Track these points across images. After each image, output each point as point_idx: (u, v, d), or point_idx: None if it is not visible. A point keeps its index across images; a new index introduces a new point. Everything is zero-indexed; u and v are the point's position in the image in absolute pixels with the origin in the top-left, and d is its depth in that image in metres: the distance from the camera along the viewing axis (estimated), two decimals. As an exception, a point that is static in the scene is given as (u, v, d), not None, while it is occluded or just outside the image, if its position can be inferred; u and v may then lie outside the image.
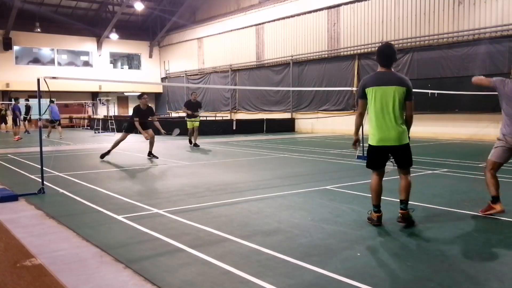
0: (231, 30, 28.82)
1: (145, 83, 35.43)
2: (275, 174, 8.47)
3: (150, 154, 11.37)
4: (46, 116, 18.83)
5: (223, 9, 29.72)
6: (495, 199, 5.02)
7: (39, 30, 29.76)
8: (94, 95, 34.67)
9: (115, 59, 36.45)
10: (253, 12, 26.96)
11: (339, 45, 22.21)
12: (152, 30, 35.40)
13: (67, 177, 8.21)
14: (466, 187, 7.10)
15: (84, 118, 31.75)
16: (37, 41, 31.58)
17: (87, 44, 33.66)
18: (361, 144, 10.59)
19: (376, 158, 4.72)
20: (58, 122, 19.95)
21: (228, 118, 27.07)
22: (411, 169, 4.80)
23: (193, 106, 14.38)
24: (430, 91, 15.33)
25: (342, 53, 22.07)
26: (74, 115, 32.99)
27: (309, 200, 6.06)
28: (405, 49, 18.94)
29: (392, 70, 4.70)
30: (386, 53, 4.67)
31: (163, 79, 36.10)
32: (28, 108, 24.03)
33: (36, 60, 32.90)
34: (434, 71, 18.12)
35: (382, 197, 4.75)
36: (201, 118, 15.87)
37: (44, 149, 7.19)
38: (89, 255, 3.88)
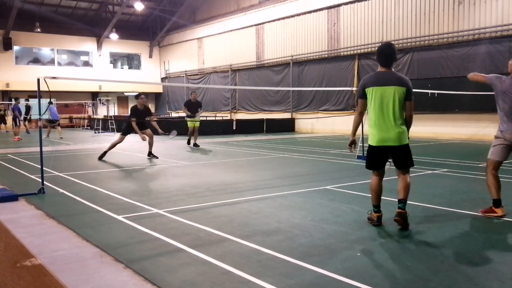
0: (231, 30, 28.83)
1: (145, 83, 35.45)
2: (275, 174, 8.47)
3: (150, 154, 11.36)
4: (46, 116, 18.85)
5: (223, 9, 29.73)
6: (497, 203, 5.01)
7: (39, 30, 29.77)
8: (94, 95, 34.68)
9: (115, 59, 36.45)
10: (253, 12, 26.96)
11: (339, 45, 22.21)
12: (152, 30, 35.40)
13: (67, 177, 8.21)
14: (466, 187, 7.10)
15: (84, 118, 31.76)
16: (37, 41, 31.58)
17: (87, 44, 33.66)
18: (360, 144, 10.61)
19: (376, 158, 4.70)
20: (57, 122, 20.02)
21: (228, 118, 27.07)
22: (411, 169, 4.78)
23: (193, 106, 14.36)
24: (430, 91, 15.33)
25: (342, 53, 22.07)
26: (74, 115, 33.01)
27: (309, 200, 6.06)
28: (405, 49, 18.95)
29: (393, 70, 4.69)
30: (386, 53, 4.66)
31: (163, 79, 36.11)
32: (28, 108, 24.03)
33: (36, 60, 32.90)
34: (434, 71, 18.12)
35: (382, 197, 4.75)
36: (201, 118, 15.83)
37: (44, 149, 7.19)
38: (89, 255, 3.88)
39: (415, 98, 4.81)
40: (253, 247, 4.00)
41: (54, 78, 6.83)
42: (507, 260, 3.69)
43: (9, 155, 12.18)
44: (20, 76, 29.73)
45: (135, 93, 11.57)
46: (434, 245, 4.08)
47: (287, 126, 24.12)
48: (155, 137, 11.70)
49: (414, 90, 4.77)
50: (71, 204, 5.97)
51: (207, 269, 3.50)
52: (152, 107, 37.95)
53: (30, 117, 24.18)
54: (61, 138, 19.44)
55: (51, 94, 6.77)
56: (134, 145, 13.92)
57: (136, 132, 11.03)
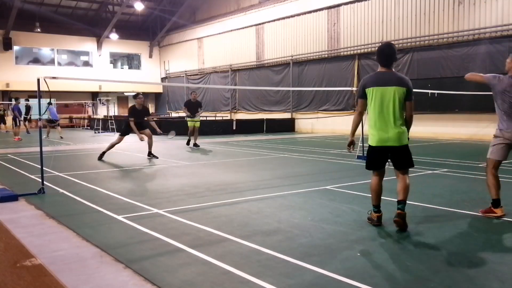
0: (231, 30, 28.83)
1: (145, 83, 35.46)
2: (275, 174, 8.46)
3: (150, 154, 11.36)
4: (45, 116, 18.87)
5: (223, 9, 29.73)
6: (496, 203, 5.01)
7: (39, 30, 29.77)
8: (94, 95, 34.68)
9: (115, 59, 36.46)
10: (253, 12, 26.96)
11: (339, 45, 22.21)
12: (152, 30, 35.40)
13: (67, 177, 8.21)
14: (466, 187, 7.09)
15: (84, 118, 31.76)
16: (37, 41, 31.58)
17: (87, 44, 33.66)
18: (360, 144, 10.61)
19: (375, 158, 4.69)
20: (57, 122, 20.10)
21: (228, 118, 27.07)
22: (411, 169, 4.77)
23: (193, 106, 14.34)
24: (430, 91, 15.33)
25: (342, 53, 22.07)
26: (74, 115, 33.00)
27: (309, 200, 6.06)
28: (405, 49, 18.95)
29: (393, 70, 4.68)
30: (386, 53, 4.64)
31: (163, 79, 36.11)
32: (28, 108, 24.04)
33: (36, 60, 32.90)
34: (434, 71, 18.12)
35: (382, 197, 4.75)
36: (201, 118, 15.80)
37: (44, 149, 7.19)
38: (89, 255, 3.88)
39: (415, 98, 4.80)
40: (253, 247, 4.00)
41: (54, 78, 6.84)
42: (507, 260, 3.69)
43: (9, 155, 12.19)
44: (20, 76, 29.73)
45: (135, 93, 11.56)
46: (434, 245, 4.08)
47: (287, 126, 24.12)
48: (155, 137, 11.71)
49: (414, 90, 4.76)
50: (71, 204, 5.97)
51: (207, 269, 3.50)
52: (152, 107, 37.96)
53: (30, 117, 24.18)
54: (61, 137, 19.47)
55: (51, 94, 6.76)
56: (134, 145, 13.91)
57: (134, 132, 11.02)
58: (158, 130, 11.78)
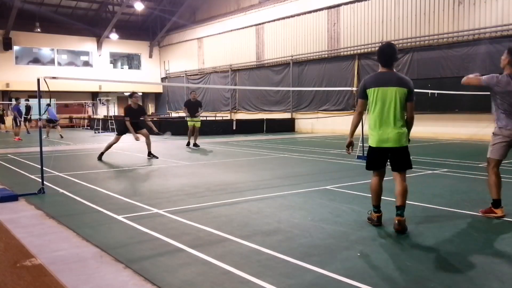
0: (231, 30, 28.83)
1: (145, 83, 35.46)
2: (275, 174, 8.46)
3: (149, 154, 11.35)
4: (45, 116, 18.90)
5: (223, 9, 29.73)
6: (497, 203, 5.00)
7: (39, 30, 29.77)
8: (94, 95, 34.69)
9: (115, 59, 36.46)
10: (253, 12, 26.97)
11: (339, 45, 22.21)
12: (152, 30, 35.40)
13: (67, 177, 8.21)
14: (466, 187, 7.09)
15: (84, 118, 31.77)
16: (37, 41, 31.58)
17: (87, 44, 33.66)
18: (360, 144, 10.61)
19: (375, 159, 4.67)
20: (56, 122, 20.22)
21: (228, 118, 27.07)
22: (412, 169, 4.75)
23: (193, 106, 14.31)
24: (430, 91, 15.34)
25: (342, 53, 22.07)
26: (74, 115, 33.01)
27: (309, 200, 6.06)
28: (405, 49, 18.95)
29: (394, 70, 4.65)
30: (387, 53, 4.61)
31: (163, 79, 36.11)
32: (28, 109, 24.07)
33: (36, 60, 32.91)
34: (434, 71, 18.12)
35: (382, 197, 4.74)
36: (201, 118, 15.76)
37: (44, 149, 7.19)
38: (89, 255, 3.88)
39: (415, 98, 4.79)
40: (253, 247, 4.00)
41: (54, 78, 6.83)
42: (507, 260, 3.69)
43: (9, 155, 12.19)
44: (20, 76, 29.73)
45: (130, 93, 11.57)
46: (434, 245, 4.08)
47: (287, 126, 24.12)
48: (154, 137, 11.68)
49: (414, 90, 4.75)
50: (71, 204, 5.97)
51: (207, 269, 3.50)
52: (152, 107, 37.99)
53: (30, 117, 24.22)
54: (61, 136, 19.54)
55: (51, 94, 6.76)
56: (134, 145, 13.90)
57: (130, 132, 10.98)
58: (154, 129, 11.77)
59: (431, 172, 8.51)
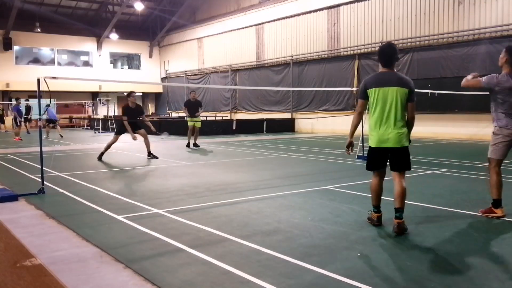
0: (231, 30, 28.83)
1: (145, 83, 35.46)
2: (275, 174, 8.46)
3: (149, 154, 11.34)
4: (45, 116, 18.94)
5: (223, 9, 29.73)
6: (497, 203, 4.99)
7: (39, 30, 29.77)
8: (94, 95, 34.69)
9: (115, 59, 36.46)
10: (253, 12, 26.97)
11: (339, 45, 22.21)
12: (152, 30, 35.41)
13: (67, 177, 8.21)
14: (466, 187, 7.09)
15: (84, 118, 31.78)
16: (37, 41, 31.59)
17: (87, 44, 33.66)
18: (360, 144, 10.61)
19: (375, 159, 4.65)
20: (56, 122, 20.29)
21: (228, 118, 27.07)
22: (412, 169, 4.74)
23: (193, 106, 14.29)
24: (430, 91, 15.34)
25: (342, 53, 22.08)
26: (74, 115, 33.02)
27: (309, 200, 6.06)
28: (405, 49, 18.95)
29: (394, 70, 4.63)
30: (387, 53, 4.59)
31: (163, 79, 36.11)
32: (28, 109, 24.10)
33: (36, 60, 32.91)
34: (434, 71, 18.13)
35: (382, 197, 4.73)
36: (201, 119, 15.73)
37: (44, 149, 7.20)
38: (89, 255, 3.88)
39: (416, 98, 4.77)
40: (253, 247, 4.00)
41: (54, 78, 6.84)
42: (507, 260, 3.69)
43: (9, 155, 12.19)
44: (20, 76, 29.74)
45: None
46: (434, 245, 4.08)
47: (287, 126, 24.12)
48: (153, 138, 11.68)
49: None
50: (71, 204, 5.97)
51: (207, 269, 3.50)
52: (152, 107, 37.99)
53: (30, 117, 24.26)
54: (61, 136, 19.57)
55: (51, 94, 6.77)
56: (134, 145, 13.90)
57: (128, 132, 10.97)
58: (152, 128, 11.76)
59: (431, 172, 8.50)
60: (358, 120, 4.78)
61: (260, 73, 26.88)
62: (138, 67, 36.69)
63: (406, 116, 4.58)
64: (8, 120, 27.79)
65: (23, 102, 23.31)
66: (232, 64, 28.83)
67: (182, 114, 24.84)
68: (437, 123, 18.05)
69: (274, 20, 25.65)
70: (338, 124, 21.41)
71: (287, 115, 24.90)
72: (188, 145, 14.32)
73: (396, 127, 4.48)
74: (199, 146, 14.38)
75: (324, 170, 9.17)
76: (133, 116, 11.13)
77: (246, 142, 16.66)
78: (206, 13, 31.46)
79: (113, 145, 11.27)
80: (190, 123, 14.25)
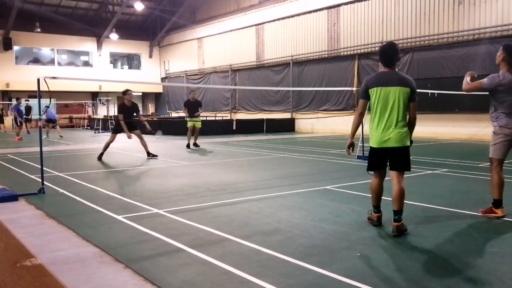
0: (231, 30, 28.83)
1: (145, 83, 35.44)
2: (275, 174, 8.46)
3: (148, 154, 11.34)
4: (44, 117, 18.96)
5: (223, 9, 29.73)
6: (498, 203, 4.99)
7: (39, 30, 29.78)
8: (94, 95, 34.69)
9: (115, 59, 36.47)
10: (253, 12, 26.97)
11: (339, 45, 22.21)
12: (152, 30, 35.41)
13: (67, 177, 8.21)
14: (466, 187, 7.09)
15: (84, 118, 31.78)
16: (37, 41, 31.59)
17: (87, 44, 33.67)
18: (360, 144, 10.61)
19: (376, 159, 4.63)
20: (56, 122, 20.34)
21: (228, 118, 27.07)
22: (412, 169, 4.72)
23: (192, 106, 14.28)
24: (430, 91, 15.34)
25: (342, 53, 22.07)
26: (74, 115, 33.03)
27: (309, 200, 6.06)
28: (405, 49, 18.94)
29: (396, 70, 4.59)
30: (388, 52, 4.56)
31: (163, 79, 36.11)
32: (28, 109, 24.13)
33: (36, 60, 32.91)
34: (434, 71, 18.13)
35: (382, 197, 4.72)
36: (201, 119, 15.70)
37: (44, 149, 7.20)
38: (89, 255, 3.88)
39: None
40: (253, 247, 4.00)
41: (54, 78, 6.84)
42: (507, 260, 3.69)
43: (9, 155, 12.19)
44: (20, 76, 29.74)
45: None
46: (434, 245, 4.08)
47: (287, 126, 24.12)
48: (151, 137, 11.67)
49: (414, 90, 4.72)
50: (71, 204, 5.97)
51: (207, 269, 3.50)
52: (152, 107, 37.98)
53: (30, 118, 24.29)
54: (60, 136, 19.58)
55: (51, 94, 6.77)
56: (134, 145, 13.90)
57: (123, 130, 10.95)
58: (148, 127, 11.75)
59: (431, 172, 8.50)
60: (359, 120, 4.76)
61: (260, 73, 26.88)
62: (138, 67, 36.69)
63: (408, 116, 4.56)
64: (8, 120, 27.82)
65: (23, 102, 23.33)
66: (232, 64, 28.83)
67: (182, 114, 24.82)
68: (437, 123, 18.06)
69: (274, 20, 25.65)
70: (338, 124, 21.41)
71: (287, 115, 24.90)
72: (188, 146, 14.23)
73: (398, 127, 4.45)
74: (199, 146, 14.37)
75: (324, 170, 9.17)
76: (129, 114, 11.13)
77: (246, 142, 16.66)
78: (206, 13, 31.46)
79: (113, 145, 11.27)
80: (190, 124, 14.22)
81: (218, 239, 4.29)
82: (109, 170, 9.54)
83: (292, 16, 24.51)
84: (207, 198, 6.21)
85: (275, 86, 24.87)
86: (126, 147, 13.88)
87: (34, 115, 22.48)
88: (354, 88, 18.57)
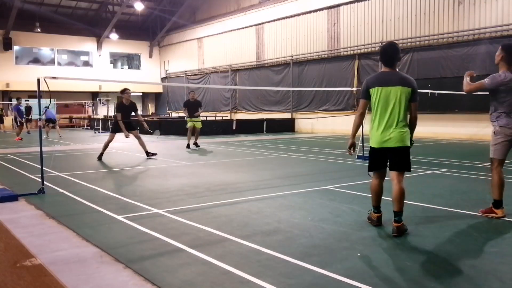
0: (231, 30, 28.83)
1: (145, 83, 35.45)
2: (275, 174, 8.46)
3: (148, 154, 11.34)
4: (44, 117, 18.98)
5: (223, 9, 29.73)
6: (498, 204, 4.98)
7: (39, 30, 29.78)
8: (94, 95, 34.68)
9: (115, 59, 36.46)
10: (253, 12, 26.97)
11: (339, 45, 22.21)
12: (152, 30, 35.40)
13: (67, 177, 8.21)
14: (466, 187, 7.09)
15: (84, 118, 31.77)
16: (37, 41, 31.59)
17: (87, 44, 33.66)
18: (360, 144, 10.61)
19: (376, 160, 4.62)
20: (55, 122, 20.38)
21: (228, 118, 27.07)
22: (412, 169, 4.70)
23: (192, 106, 14.28)
24: (430, 91, 15.34)
25: (342, 53, 22.07)
26: (74, 115, 33.03)
27: (309, 200, 6.06)
28: (405, 49, 18.93)
29: (397, 70, 4.58)
30: (388, 52, 4.54)
31: (163, 79, 36.11)
32: (29, 109, 24.15)
33: (36, 60, 32.91)
34: (434, 71, 18.13)
35: (382, 197, 4.71)
36: (201, 119, 15.67)
37: (44, 149, 7.20)
38: (89, 255, 3.88)
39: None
40: (253, 247, 4.00)
41: (54, 78, 6.84)
42: (507, 260, 3.69)
43: (9, 155, 12.19)
44: (20, 76, 29.74)
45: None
46: (434, 245, 4.08)
47: (287, 126, 24.12)
48: (151, 137, 11.68)
49: (414, 90, 4.71)
50: (71, 204, 5.97)
51: (207, 269, 3.50)
52: (152, 107, 37.97)
53: (31, 118, 24.30)
54: (60, 136, 19.59)
55: (51, 94, 6.77)
56: (134, 145, 13.91)
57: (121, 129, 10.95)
58: (145, 126, 11.76)
59: (431, 172, 8.50)
60: (360, 120, 4.74)
61: (260, 73, 26.88)
62: (138, 67, 36.69)
63: (409, 116, 4.55)
64: (8, 120, 27.82)
65: (23, 103, 23.35)
66: (232, 64, 28.83)
67: (182, 114, 24.83)
68: (437, 123, 18.06)
69: (274, 20, 25.65)
70: (338, 124, 21.41)
71: (287, 115, 24.90)
72: (188, 146, 14.19)
73: (398, 127, 4.44)
74: (199, 146, 14.37)
75: (324, 170, 9.17)
76: (127, 112, 11.13)
77: (246, 142, 16.66)
78: (206, 13, 31.46)
79: (113, 146, 11.27)
80: (189, 124, 14.22)
81: (218, 239, 4.29)
82: (109, 170, 9.54)
83: (292, 16, 24.51)
84: (207, 198, 6.21)
85: (275, 86, 24.87)
86: (126, 147, 13.89)
87: (34, 115, 22.51)
88: (354, 88, 18.56)
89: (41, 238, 4.41)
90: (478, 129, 16.49)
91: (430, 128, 17.90)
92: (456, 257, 3.76)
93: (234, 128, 22.21)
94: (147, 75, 35.41)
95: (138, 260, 3.71)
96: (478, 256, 3.80)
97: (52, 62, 32.90)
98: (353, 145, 4.80)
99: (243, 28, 27.86)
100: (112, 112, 32.75)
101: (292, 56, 24.53)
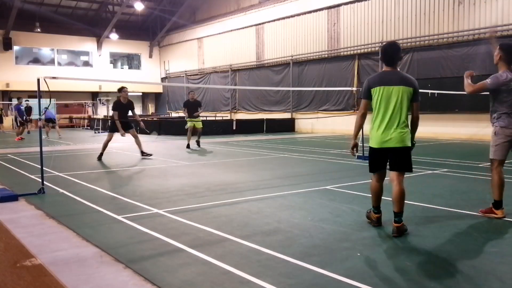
0: (231, 30, 28.83)
1: (145, 83, 35.44)
2: (275, 174, 8.46)
3: (142, 153, 11.32)
4: (43, 117, 19.00)
5: (223, 9, 29.73)
6: (498, 204, 4.98)
7: (39, 30, 29.77)
8: (94, 95, 34.67)
9: (115, 59, 36.46)
10: (253, 12, 26.97)
11: (339, 45, 22.21)
12: (152, 30, 35.40)
13: (67, 177, 8.21)
14: (466, 187, 7.09)
15: (84, 118, 31.77)
16: (37, 41, 31.58)
17: (87, 44, 33.66)
18: (361, 144, 10.60)
19: (377, 160, 4.60)
20: (55, 122, 20.41)
21: (228, 118, 27.07)
22: (412, 172, 4.69)
23: (192, 106, 14.26)
24: (430, 91, 15.34)
25: (342, 53, 22.07)
26: (74, 115, 33.02)
27: (309, 200, 6.06)
28: (405, 49, 18.92)
29: (398, 69, 4.56)
30: (388, 52, 4.52)
31: (163, 79, 36.10)
32: (29, 109, 24.14)
33: (36, 60, 32.91)
34: (434, 71, 18.13)
35: (382, 197, 4.70)
36: (201, 119, 15.65)
37: (44, 149, 7.20)
38: (89, 255, 3.88)
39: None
40: (253, 247, 4.00)
41: (54, 78, 6.85)
42: (507, 260, 3.68)
43: (9, 155, 12.19)
44: (20, 76, 29.73)
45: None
46: (434, 245, 4.08)
47: (287, 126, 24.12)
48: (151, 137, 11.68)
49: (414, 90, 4.69)
50: (71, 204, 5.97)
51: (207, 269, 3.50)
52: (152, 107, 37.97)
53: (30, 118, 24.30)
54: (60, 137, 19.59)
55: (51, 94, 6.77)
56: (134, 145, 13.90)
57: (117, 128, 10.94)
58: (142, 125, 11.73)
59: (431, 172, 8.50)
60: (362, 121, 4.69)
61: (260, 73, 26.88)
62: (138, 67, 36.68)
63: (411, 116, 4.52)
64: (8, 120, 27.83)
65: (23, 103, 23.35)
66: (232, 64, 28.83)
67: (182, 114, 24.85)
68: (437, 123, 18.05)
69: (274, 20, 25.65)
70: (338, 124, 21.41)
71: (287, 115, 24.89)
72: (188, 146, 14.15)
73: (399, 127, 4.42)
74: (200, 146, 14.35)
75: (324, 170, 9.17)
76: (123, 111, 11.11)
77: (246, 142, 16.66)
78: (206, 13, 31.46)
79: (113, 146, 11.27)
80: (189, 124, 14.21)
81: (218, 239, 4.29)
82: (109, 170, 9.54)
83: (292, 16, 24.51)
84: (207, 198, 6.21)
85: (275, 86, 24.87)
86: (126, 147, 13.88)
87: (34, 115, 22.52)
88: (354, 88, 18.57)
89: (41, 238, 4.41)
90: (478, 129, 16.48)
91: (430, 128, 17.89)
92: (456, 257, 3.76)
93: (234, 128, 22.21)
94: (147, 75, 35.40)
95: (138, 260, 3.71)
96: (478, 256, 3.80)
97: (52, 62, 32.90)
98: (355, 146, 4.77)
99: (243, 28, 27.85)
100: (111, 112, 32.80)
101: (292, 56, 24.53)
